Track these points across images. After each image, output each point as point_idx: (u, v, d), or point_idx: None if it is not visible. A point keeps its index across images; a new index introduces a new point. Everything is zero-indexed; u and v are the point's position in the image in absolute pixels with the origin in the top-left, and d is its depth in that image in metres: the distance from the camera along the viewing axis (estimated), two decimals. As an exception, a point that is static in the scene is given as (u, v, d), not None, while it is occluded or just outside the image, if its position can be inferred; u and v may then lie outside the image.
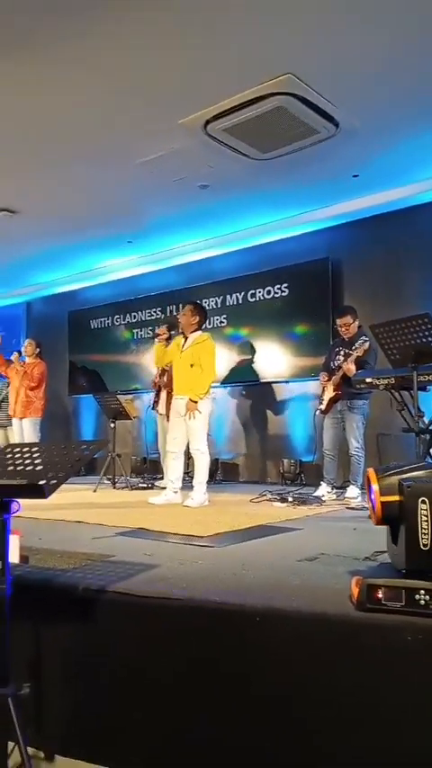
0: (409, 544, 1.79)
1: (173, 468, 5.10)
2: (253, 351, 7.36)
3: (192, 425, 4.90)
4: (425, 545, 1.77)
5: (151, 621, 2.04)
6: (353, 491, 5.04)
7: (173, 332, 5.34)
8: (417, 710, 1.62)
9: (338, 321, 5.38)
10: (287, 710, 1.79)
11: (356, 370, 4.91)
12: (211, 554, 2.84)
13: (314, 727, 1.75)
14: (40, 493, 1.73)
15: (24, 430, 6.79)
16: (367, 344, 4.93)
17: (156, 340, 5.36)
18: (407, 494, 1.81)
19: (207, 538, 3.24)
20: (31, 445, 2.13)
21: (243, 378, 7.44)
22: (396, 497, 1.84)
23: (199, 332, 5.11)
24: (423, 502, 1.78)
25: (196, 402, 4.84)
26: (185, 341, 5.10)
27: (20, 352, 7.14)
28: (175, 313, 7.44)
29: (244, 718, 1.84)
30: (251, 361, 7.37)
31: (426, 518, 1.77)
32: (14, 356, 7.09)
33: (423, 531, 1.77)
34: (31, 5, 3.36)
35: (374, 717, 1.67)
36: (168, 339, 5.33)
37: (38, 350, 7.07)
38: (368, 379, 4.39)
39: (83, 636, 2.15)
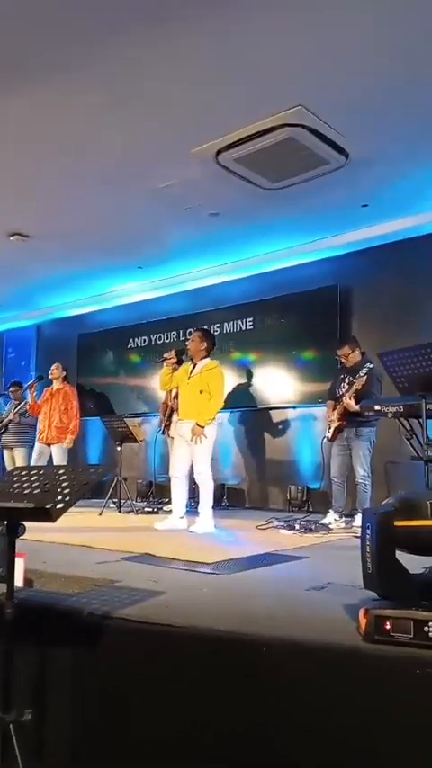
0: (363, 567, 1.89)
1: (177, 493, 5.10)
2: (260, 376, 7.36)
3: (197, 450, 4.92)
4: (368, 568, 1.86)
5: (155, 648, 2.02)
6: (360, 519, 4.98)
7: (183, 357, 5.38)
8: (424, 745, 1.59)
9: (338, 352, 5.45)
10: (291, 740, 1.76)
11: (358, 401, 4.92)
12: (216, 581, 2.81)
13: (319, 758, 1.71)
14: (48, 517, 1.73)
15: (55, 456, 6.79)
16: (365, 377, 4.97)
17: (164, 364, 5.40)
18: (363, 520, 1.96)
19: (213, 564, 3.21)
20: (37, 468, 2.14)
21: (250, 403, 7.43)
22: None
23: (208, 359, 5.16)
24: (367, 527, 1.88)
25: (203, 427, 4.86)
26: (194, 367, 5.15)
27: (36, 381, 7.19)
28: (183, 338, 7.48)
29: (248, 747, 1.80)
30: (259, 387, 7.37)
31: (368, 543, 1.86)
32: (32, 389, 7.16)
33: (367, 554, 1.87)
34: (55, 31, 3.44)
35: (380, 750, 1.64)
36: (177, 364, 5.37)
37: (64, 373, 7.13)
38: (376, 407, 4.38)
39: (87, 661, 2.13)
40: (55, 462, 6.69)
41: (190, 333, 6.17)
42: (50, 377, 7.12)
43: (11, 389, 7.79)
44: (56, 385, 7.09)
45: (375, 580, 1.84)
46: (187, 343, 5.44)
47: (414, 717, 1.61)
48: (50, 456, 6.87)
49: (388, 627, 1.72)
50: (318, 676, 1.76)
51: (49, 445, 6.84)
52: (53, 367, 7.17)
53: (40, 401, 7.06)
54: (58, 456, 6.79)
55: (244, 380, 7.50)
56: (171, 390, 5.83)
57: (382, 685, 1.67)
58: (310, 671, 1.77)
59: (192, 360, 5.22)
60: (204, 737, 1.89)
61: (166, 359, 5.41)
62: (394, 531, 1.81)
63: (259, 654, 1.83)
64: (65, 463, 6.67)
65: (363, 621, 1.78)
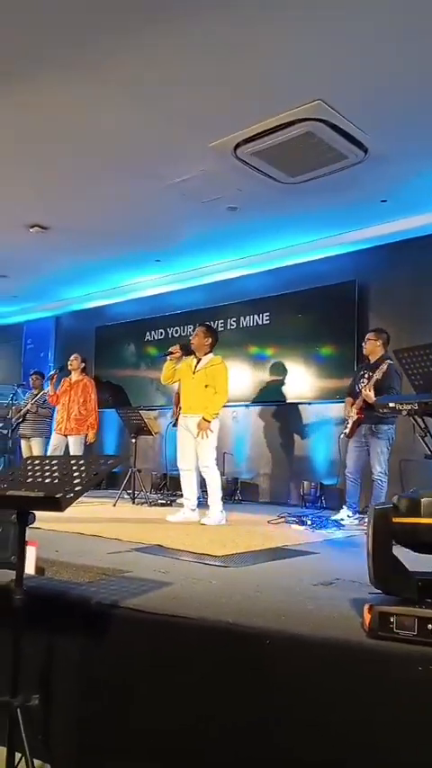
0: (367, 563, 1.90)
1: (187, 485, 5.14)
2: (277, 371, 7.35)
3: (202, 443, 4.98)
4: (369, 565, 1.90)
5: (162, 639, 2.05)
6: (370, 516, 4.96)
7: (187, 350, 5.40)
8: (424, 741, 1.59)
9: (366, 336, 5.46)
10: (293, 734, 1.77)
11: (378, 394, 4.88)
12: (225, 574, 2.83)
13: (320, 753, 1.73)
14: (57, 506, 1.75)
15: (72, 447, 6.85)
16: (386, 367, 4.94)
17: (168, 357, 5.42)
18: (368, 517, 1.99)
19: (222, 557, 3.23)
20: (50, 458, 2.17)
21: (266, 398, 7.43)
22: None
23: (212, 354, 5.22)
24: (369, 524, 1.92)
25: (209, 421, 4.93)
26: (198, 362, 5.20)
27: (57, 372, 7.25)
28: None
29: (250, 741, 1.82)
30: (275, 382, 7.36)
31: (370, 540, 1.89)
32: (53, 379, 7.21)
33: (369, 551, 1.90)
34: (72, 24, 3.46)
35: (380, 745, 1.65)
36: (180, 358, 5.39)
37: (83, 365, 7.18)
38: (391, 404, 4.34)
39: (94, 649, 2.16)
40: (71, 453, 6.74)
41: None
42: (69, 368, 7.17)
43: (32, 376, 7.89)
44: (74, 376, 7.13)
45: (373, 576, 1.85)
46: (191, 338, 5.47)
47: (416, 713, 1.62)
48: (66, 447, 6.93)
49: (392, 623, 1.73)
50: (321, 671, 1.77)
51: (66, 436, 6.89)
52: (72, 358, 7.21)
53: (59, 391, 7.11)
54: (75, 447, 6.84)
55: (260, 375, 7.49)
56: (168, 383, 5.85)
57: (385, 681, 1.67)
58: (314, 666, 1.78)
59: (195, 355, 5.26)
60: (209, 730, 1.91)
61: (171, 353, 5.43)
62: (392, 527, 1.81)
63: (263, 647, 1.85)
64: (80, 453, 6.73)
65: (367, 617, 1.79)
